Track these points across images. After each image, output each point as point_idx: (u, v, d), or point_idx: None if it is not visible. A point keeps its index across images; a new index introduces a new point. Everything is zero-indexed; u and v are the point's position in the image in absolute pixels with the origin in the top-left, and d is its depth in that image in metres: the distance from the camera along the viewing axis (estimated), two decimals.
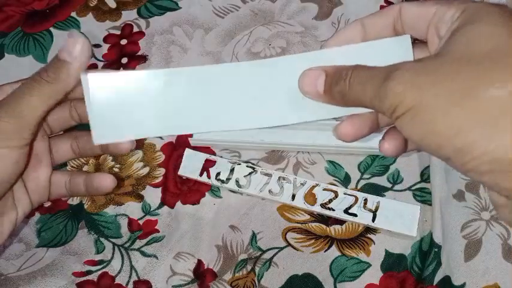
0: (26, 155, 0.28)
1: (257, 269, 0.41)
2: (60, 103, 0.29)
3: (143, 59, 0.52)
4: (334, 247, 0.41)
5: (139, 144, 0.47)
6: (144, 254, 0.42)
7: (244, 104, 0.28)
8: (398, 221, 0.40)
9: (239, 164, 0.44)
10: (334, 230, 0.42)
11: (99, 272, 0.41)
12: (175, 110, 0.28)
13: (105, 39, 0.53)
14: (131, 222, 0.44)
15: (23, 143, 0.28)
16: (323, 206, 0.42)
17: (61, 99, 0.28)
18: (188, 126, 0.29)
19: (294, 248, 0.41)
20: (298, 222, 0.42)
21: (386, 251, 0.41)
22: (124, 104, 0.27)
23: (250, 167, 0.44)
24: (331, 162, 0.45)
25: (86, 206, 0.44)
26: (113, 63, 0.52)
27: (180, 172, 0.45)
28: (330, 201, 0.42)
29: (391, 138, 0.28)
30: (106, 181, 0.32)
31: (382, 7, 0.53)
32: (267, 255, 0.41)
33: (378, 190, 0.43)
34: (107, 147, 0.31)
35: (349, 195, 0.42)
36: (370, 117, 0.28)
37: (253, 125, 0.29)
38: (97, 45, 0.53)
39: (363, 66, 0.25)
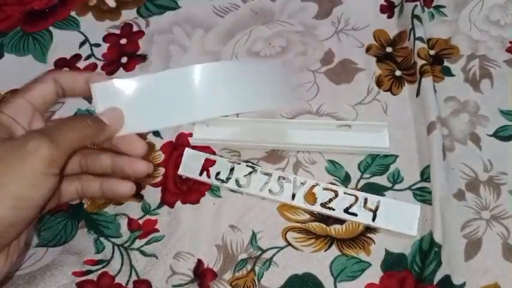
0: (57, 182, 0.30)
1: (257, 269, 0.41)
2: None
3: (143, 58, 0.52)
4: (334, 247, 0.41)
5: None
6: (143, 253, 0.42)
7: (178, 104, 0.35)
8: (398, 221, 0.40)
9: (239, 164, 0.44)
10: (334, 229, 0.42)
11: (99, 272, 0.41)
12: (143, 111, 0.35)
13: (105, 39, 0.53)
14: (131, 222, 0.44)
15: (59, 171, 0.29)
16: (323, 205, 0.42)
17: (51, 98, 0.33)
18: (144, 125, 0.35)
19: (294, 248, 0.41)
20: (298, 222, 0.42)
21: (386, 251, 0.41)
22: (118, 105, 0.34)
23: (250, 166, 0.44)
24: (331, 161, 0.45)
25: (85, 206, 0.44)
26: (112, 63, 0.52)
27: (180, 172, 0.45)
28: (330, 200, 0.42)
29: None
30: (126, 188, 0.35)
31: (382, 7, 0.53)
32: (267, 255, 0.41)
33: (378, 189, 0.43)
34: (123, 168, 0.35)
35: (349, 194, 0.42)
36: None
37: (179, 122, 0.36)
38: (97, 45, 0.53)
39: None
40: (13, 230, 0.28)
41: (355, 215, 0.41)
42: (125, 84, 0.34)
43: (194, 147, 0.46)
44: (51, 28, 0.54)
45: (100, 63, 0.52)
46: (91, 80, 0.33)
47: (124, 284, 0.41)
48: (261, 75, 0.38)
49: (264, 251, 0.41)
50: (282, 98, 0.40)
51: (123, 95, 0.34)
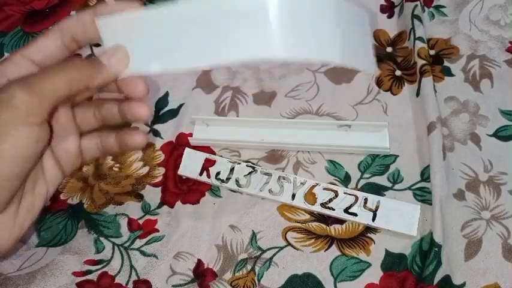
0: (46, 132, 0.28)
1: (257, 269, 0.41)
2: (83, 104, 0.33)
3: None
4: (334, 247, 0.41)
5: None
6: (143, 253, 0.42)
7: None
8: (398, 221, 0.40)
9: (239, 164, 0.44)
10: (334, 229, 0.42)
11: (99, 272, 0.41)
12: (154, 49, 0.30)
13: None
14: (131, 222, 0.44)
15: (41, 120, 0.27)
16: (323, 205, 0.42)
17: (84, 92, 0.30)
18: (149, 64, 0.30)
19: (294, 248, 0.41)
20: (298, 222, 0.42)
21: (386, 251, 0.41)
22: (126, 42, 0.30)
23: (250, 166, 0.44)
24: (331, 161, 0.45)
25: (85, 206, 0.44)
26: None
27: (180, 172, 0.45)
28: (330, 200, 0.42)
29: None
30: (137, 138, 0.33)
31: (382, 7, 0.53)
32: (267, 255, 0.41)
33: (378, 189, 0.43)
34: (125, 114, 0.32)
35: (349, 194, 0.42)
36: None
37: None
38: (97, 45, 0.53)
39: None
40: (3, 184, 0.27)
41: (355, 215, 0.41)
42: (136, 17, 0.29)
43: (194, 147, 0.46)
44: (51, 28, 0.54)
45: None
46: (99, 13, 0.30)
47: (124, 284, 0.41)
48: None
49: (264, 251, 0.41)
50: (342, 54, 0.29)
51: (133, 30, 0.30)
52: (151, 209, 0.44)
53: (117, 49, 0.30)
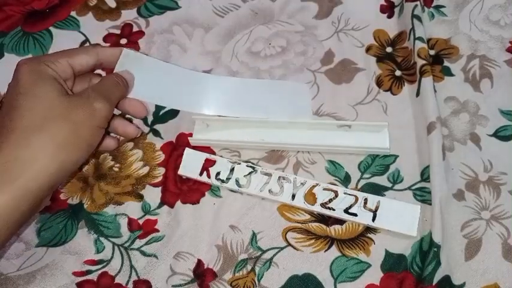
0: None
1: (257, 269, 0.41)
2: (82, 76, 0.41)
3: None
4: (334, 247, 0.41)
5: (139, 143, 0.47)
6: (144, 253, 0.42)
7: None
8: (398, 221, 0.40)
9: (239, 164, 0.44)
10: (334, 230, 0.42)
11: (99, 272, 0.41)
12: (154, 86, 0.44)
13: (105, 39, 0.53)
14: (131, 222, 0.44)
15: (107, 125, 0.38)
16: (323, 205, 0.42)
17: (88, 68, 0.40)
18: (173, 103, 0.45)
19: (294, 248, 0.41)
20: (298, 222, 0.42)
21: (386, 251, 0.41)
22: (138, 76, 0.43)
23: (250, 166, 0.44)
24: (331, 161, 0.45)
25: (85, 206, 0.44)
26: None
27: (180, 172, 0.45)
28: (330, 200, 0.42)
29: None
30: (128, 128, 0.44)
31: (382, 7, 0.53)
32: (267, 255, 0.41)
33: (378, 190, 0.43)
34: (117, 128, 0.44)
35: (349, 194, 0.42)
36: None
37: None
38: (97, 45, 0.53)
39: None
40: (72, 169, 0.36)
41: (355, 215, 0.41)
42: (150, 61, 0.44)
43: (194, 147, 0.46)
44: (51, 28, 0.54)
45: None
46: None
47: (124, 284, 0.41)
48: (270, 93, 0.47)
49: (264, 251, 0.41)
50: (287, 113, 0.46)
51: (143, 68, 0.42)
52: (151, 209, 0.44)
53: (130, 74, 0.42)
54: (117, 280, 0.41)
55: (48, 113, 0.34)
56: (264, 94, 0.47)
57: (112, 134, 0.45)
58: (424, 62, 0.46)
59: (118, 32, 0.54)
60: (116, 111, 0.43)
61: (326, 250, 0.41)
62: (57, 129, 0.34)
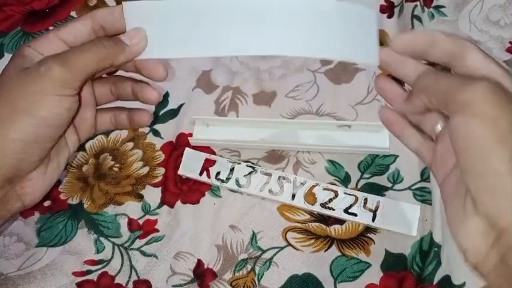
0: (76, 103, 0.32)
1: (257, 269, 0.41)
2: (103, 77, 0.37)
3: None
4: (334, 247, 0.41)
5: (139, 143, 0.47)
6: (144, 253, 0.42)
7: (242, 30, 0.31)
8: (398, 221, 0.40)
9: (239, 164, 0.44)
10: (334, 229, 0.42)
11: (99, 272, 0.41)
12: (172, 36, 0.33)
13: None
14: (131, 222, 0.44)
15: (74, 92, 0.31)
16: (323, 205, 0.42)
17: (106, 68, 0.33)
18: (193, 50, 0.33)
19: (294, 248, 0.41)
20: (298, 222, 0.42)
21: (386, 251, 0.41)
22: (149, 27, 0.33)
23: (250, 166, 0.44)
24: (331, 161, 0.45)
25: (85, 206, 0.44)
26: None
27: (180, 172, 0.45)
28: (330, 200, 0.42)
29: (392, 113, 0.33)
30: (144, 117, 0.38)
31: (382, 7, 0.53)
32: (267, 255, 0.41)
33: (378, 190, 0.43)
34: (137, 92, 0.36)
35: (349, 194, 0.42)
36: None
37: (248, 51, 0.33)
38: None
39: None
40: (37, 146, 0.31)
41: (355, 215, 0.41)
42: (159, 6, 0.33)
43: (194, 147, 0.46)
44: (51, 28, 0.54)
45: None
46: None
47: (124, 284, 0.41)
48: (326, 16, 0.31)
49: (264, 251, 0.41)
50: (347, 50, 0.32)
51: (155, 17, 0.33)
52: (151, 209, 0.44)
53: (138, 31, 0.33)
54: (117, 280, 0.41)
55: (4, 90, 0.31)
56: (313, 22, 0.31)
57: (143, 106, 0.39)
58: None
59: None
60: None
61: (326, 250, 0.41)
62: (7, 103, 0.30)
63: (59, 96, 0.30)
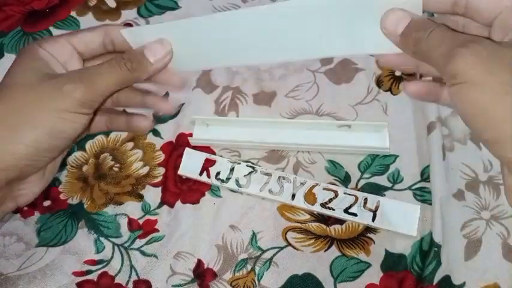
0: (90, 119, 0.33)
1: (257, 269, 0.41)
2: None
3: None
4: (334, 247, 0.41)
5: (139, 143, 0.47)
6: (143, 253, 0.42)
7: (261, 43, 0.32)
8: (398, 221, 0.40)
9: (239, 164, 0.44)
10: (334, 229, 0.42)
11: (99, 272, 0.41)
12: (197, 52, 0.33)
13: None
14: (131, 222, 0.44)
15: (91, 111, 0.32)
16: (323, 205, 0.42)
17: (96, 47, 0.34)
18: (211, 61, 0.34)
19: (294, 248, 0.41)
20: (298, 222, 0.42)
21: (386, 251, 0.41)
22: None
23: (250, 166, 0.44)
24: (331, 161, 0.45)
25: (85, 206, 0.44)
26: None
27: (180, 171, 0.45)
28: (330, 200, 0.42)
29: (418, 83, 0.31)
30: (145, 124, 0.37)
31: None
32: (267, 255, 0.41)
33: (378, 190, 0.43)
34: (148, 106, 0.36)
35: (349, 194, 0.42)
36: (434, 86, 0.31)
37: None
38: None
39: (447, 27, 0.27)
40: (48, 154, 0.32)
41: (355, 215, 0.41)
42: (160, 29, 0.32)
43: (194, 147, 0.46)
44: (51, 28, 0.54)
45: None
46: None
47: (124, 284, 0.41)
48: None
49: (264, 251, 0.41)
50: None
51: (169, 35, 0.32)
52: (151, 209, 0.44)
53: (162, 44, 0.33)
54: (117, 280, 0.41)
55: (21, 94, 0.31)
56: (318, 20, 0.30)
57: (145, 113, 0.39)
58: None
59: None
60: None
61: (326, 250, 0.41)
62: (22, 109, 0.31)
63: (77, 113, 0.31)
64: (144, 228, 0.43)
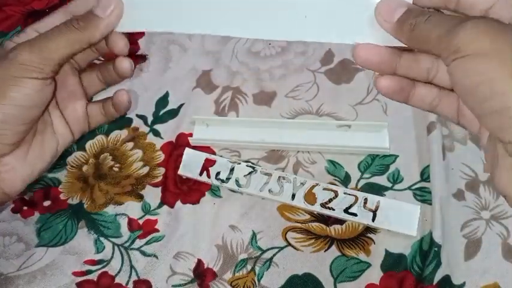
0: (50, 87, 0.32)
1: (257, 269, 0.41)
2: (89, 66, 0.37)
3: (143, 58, 0.52)
4: (334, 247, 0.41)
5: (139, 143, 0.47)
6: (144, 253, 0.42)
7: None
8: (398, 221, 0.40)
9: (239, 164, 0.44)
10: (334, 229, 0.42)
11: (99, 272, 0.41)
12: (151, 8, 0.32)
13: None
14: (131, 222, 0.44)
15: (44, 76, 0.31)
16: (323, 205, 0.42)
17: (85, 48, 0.32)
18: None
19: (294, 248, 0.41)
20: (298, 222, 0.42)
21: (386, 251, 0.41)
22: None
23: (250, 166, 0.44)
24: (331, 161, 0.45)
25: (85, 206, 0.44)
26: None
27: (180, 171, 0.45)
28: (330, 200, 0.42)
29: (391, 78, 0.30)
30: (122, 96, 0.36)
31: None
32: (267, 255, 0.41)
33: (378, 189, 0.43)
34: (116, 68, 0.35)
35: (349, 194, 0.42)
36: (408, 84, 0.30)
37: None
38: None
39: (443, 13, 0.27)
40: (7, 126, 0.31)
41: (355, 215, 0.41)
42: None
43: (194, 147, 0.46)
44: None
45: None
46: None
47: (124, 284, 0.41)
48: None
49: (264, 251, 0.41)
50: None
51: None
52: (151, 209, 0.44)
53: (111, 1, 0.32)
54: (117, 280, 0.41)
55: None
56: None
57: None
58: None
59: None
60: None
61: (326, 250, 0.41)
62: None
63: (28, 78, 0.31)
64: (144, 228, 0.43)
